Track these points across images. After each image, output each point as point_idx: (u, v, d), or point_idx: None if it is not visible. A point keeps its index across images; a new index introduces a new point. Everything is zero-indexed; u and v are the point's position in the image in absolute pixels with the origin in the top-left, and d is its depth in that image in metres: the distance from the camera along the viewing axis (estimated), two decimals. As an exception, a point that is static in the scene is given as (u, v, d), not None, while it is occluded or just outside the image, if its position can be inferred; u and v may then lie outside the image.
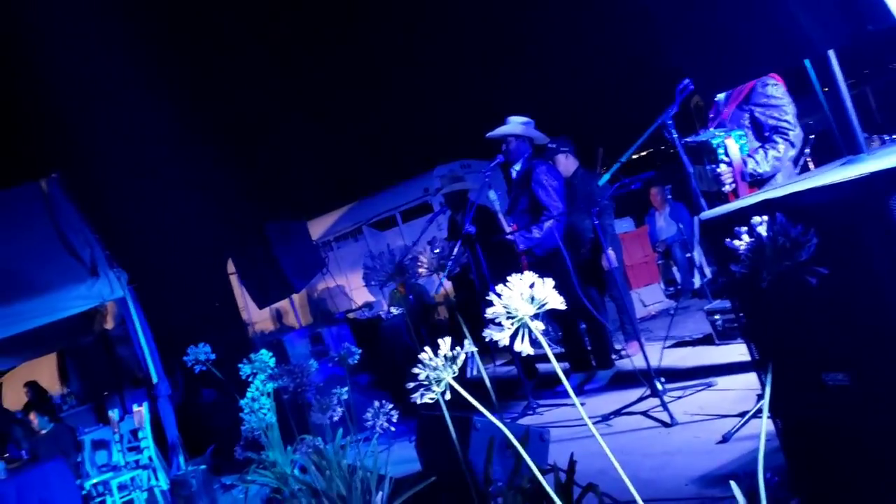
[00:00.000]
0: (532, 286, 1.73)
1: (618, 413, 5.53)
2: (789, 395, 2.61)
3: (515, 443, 1.97)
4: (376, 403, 3.77)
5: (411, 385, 1.89)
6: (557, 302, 1.73)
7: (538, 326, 1.72)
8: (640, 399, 5.57)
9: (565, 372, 6.91)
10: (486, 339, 1.74)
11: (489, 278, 6.43)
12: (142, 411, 8.03)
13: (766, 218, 1.85)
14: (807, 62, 2.65)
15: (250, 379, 4.50)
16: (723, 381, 5.44)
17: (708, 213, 2.80)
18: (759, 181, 4.30)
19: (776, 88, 4.30)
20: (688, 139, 3.93)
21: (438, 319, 12.08)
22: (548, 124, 7.19)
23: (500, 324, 1.73)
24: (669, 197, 10.88)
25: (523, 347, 1.72)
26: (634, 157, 5.05)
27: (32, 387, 11.37)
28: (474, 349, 1.92)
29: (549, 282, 1.73)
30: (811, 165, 4.56)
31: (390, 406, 3.76)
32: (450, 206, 7.91)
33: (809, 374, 2.54)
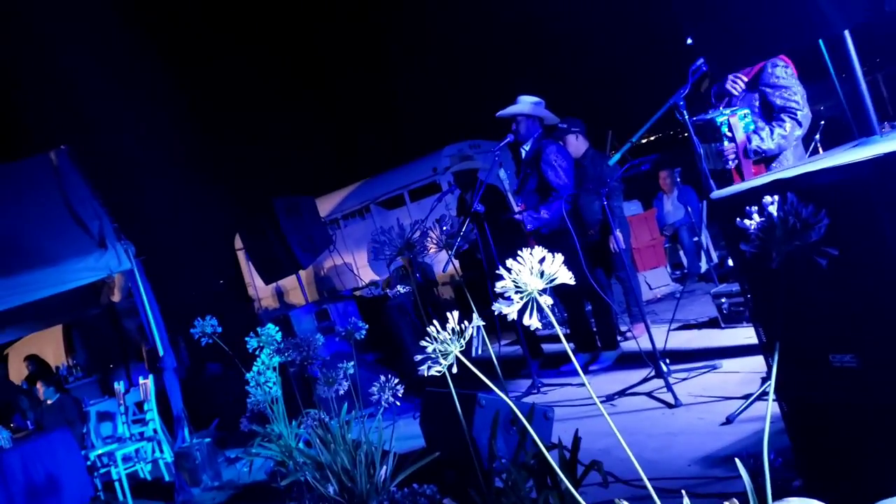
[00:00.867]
0: (542, 261, 1.73)
1: (622, 393, 5.55)
2: (796, 376, 2.62)
3: (522, 417, 1.98)
4: (382, 378, 3.79)
5: (419, 357, 1.90)
6: (566, 277, 1.73)
7: (546, 301, 1.72)
8: (645, 380, 5.58)
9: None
10: (495, 313, 1.74)
11: (497, 257, 6.43)
12: (147, 384, 8.06)
13: (777, 197, 1.84)
14: (820, 42, 2.63)
15: (257, 353, 4.52)
16: (728, 364, 5.44)
17: (719, 193, 2.79)
18: (765, 159, 4.29)
19: (785, 70, 4.30)
20: (695, 118, 3.93)
21: (443, 299, 12.11)
22: (557, 106, 7.16)
23: (509, 298, 1.74)
24: (678, 180, 10.85)
25: (532, 322, 1.72)
26: (643, 141, 5.04)
27: (33, 360, 11.40)
28: (482, 323, 1.93)
29: (560, 257, 1.73)
30: (820, 150, 4.56)
31: (396, 381, 3.78)
32: (459, 185, 7.89)
33: (816, 355, 2.54)
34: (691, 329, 7.13)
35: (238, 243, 17.15)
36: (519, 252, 1.73)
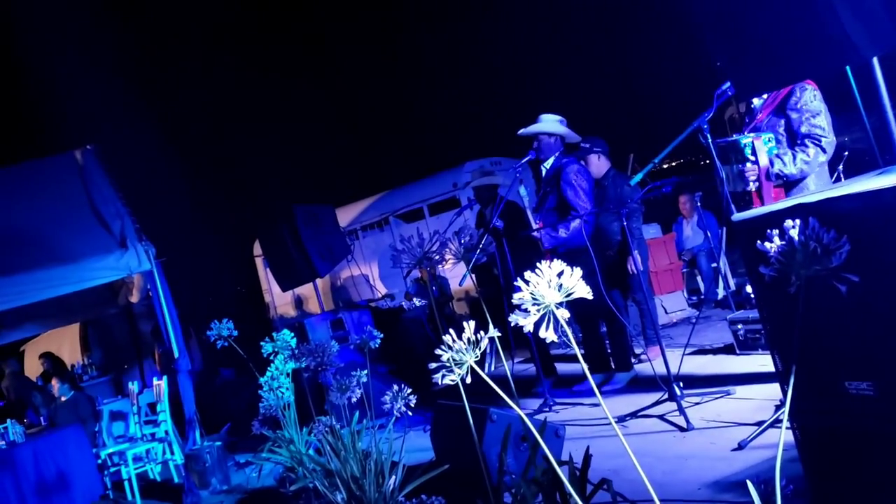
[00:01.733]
0: (560, 275, 1.73)
1: (634, 415, 5.52)
2: (811, 402, 2.60)
3: (534, 430, 1.98)
4: (395, 388, 3.79)
5: (433, 365, 1.91)
6: (584, 291, 1.73)
7: (563, 314, 1.73)
8: (658, 402, 5.55)
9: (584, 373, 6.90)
10: (511, 325, 1.75)
11: (514, 274, 6.43)
12: (161, 385, 8.10)
13: (798, 221, 1.85)
14: (847, 69, 2.63)
15: (271, 358, 4.54)
16: (742, 391, 5.41)
17: (740, 215, 2.79)
18: (787, 183, 4.28)
19: (812, 94, 4.28)
20: (719, 140, 3.93)
21: (459, 314, 12.11)
22: (580, 127, 7.16)
23: (526, 310, 1.74)
24: (699, 205, 10.82)
25: (548, 334, 1.73)
26: (664, 166, 5.06)
27: (49, 357, 11.49)
28: (498, 334, 1.93)
29: (578, 271, 1.74)
30: (843, 180, 4.55)
31: (408, 391, 3.78)
32: (479, 200, 7.91)
33: (832, 382, 2.52)
34: (706, 354, 7.09)
35: (257, 249, 17.21)
36: (537, 267, 1.74)
